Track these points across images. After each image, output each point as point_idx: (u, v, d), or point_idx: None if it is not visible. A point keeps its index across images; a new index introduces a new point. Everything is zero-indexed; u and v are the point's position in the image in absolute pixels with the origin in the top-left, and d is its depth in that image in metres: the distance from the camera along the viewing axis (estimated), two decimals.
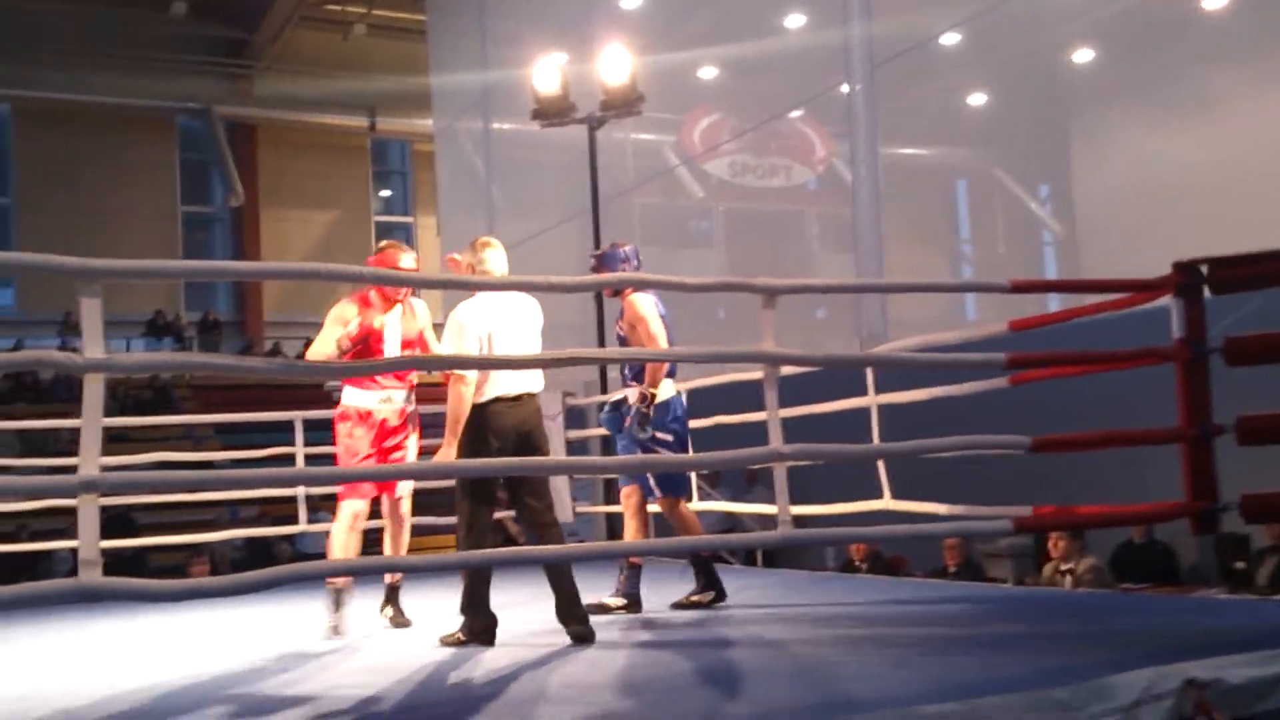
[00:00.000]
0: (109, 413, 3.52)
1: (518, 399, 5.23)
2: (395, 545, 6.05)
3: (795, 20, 15.81)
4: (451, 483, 5.52)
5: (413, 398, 6.01)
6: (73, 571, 3.42)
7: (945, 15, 13.60)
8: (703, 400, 7.83)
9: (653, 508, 6.19)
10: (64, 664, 5.47)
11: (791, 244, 17.57)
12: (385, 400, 5.89)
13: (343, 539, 5.74)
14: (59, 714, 4.11)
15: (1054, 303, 11.20)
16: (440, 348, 5.49)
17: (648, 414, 5.87)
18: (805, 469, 5.45)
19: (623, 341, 6.12)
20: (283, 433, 8.72)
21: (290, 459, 8.44)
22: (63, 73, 22.72)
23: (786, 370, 4.56)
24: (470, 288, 5.35)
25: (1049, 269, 16.04)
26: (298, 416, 8.41)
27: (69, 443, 13.04)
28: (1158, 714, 3.38)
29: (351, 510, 5.76)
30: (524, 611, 5.66)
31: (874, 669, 4.03)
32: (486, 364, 5.23)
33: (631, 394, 6.03)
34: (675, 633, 5.36)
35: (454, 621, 5.22)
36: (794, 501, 4.41)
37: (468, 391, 5.14)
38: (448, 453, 5.17)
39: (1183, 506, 4.57)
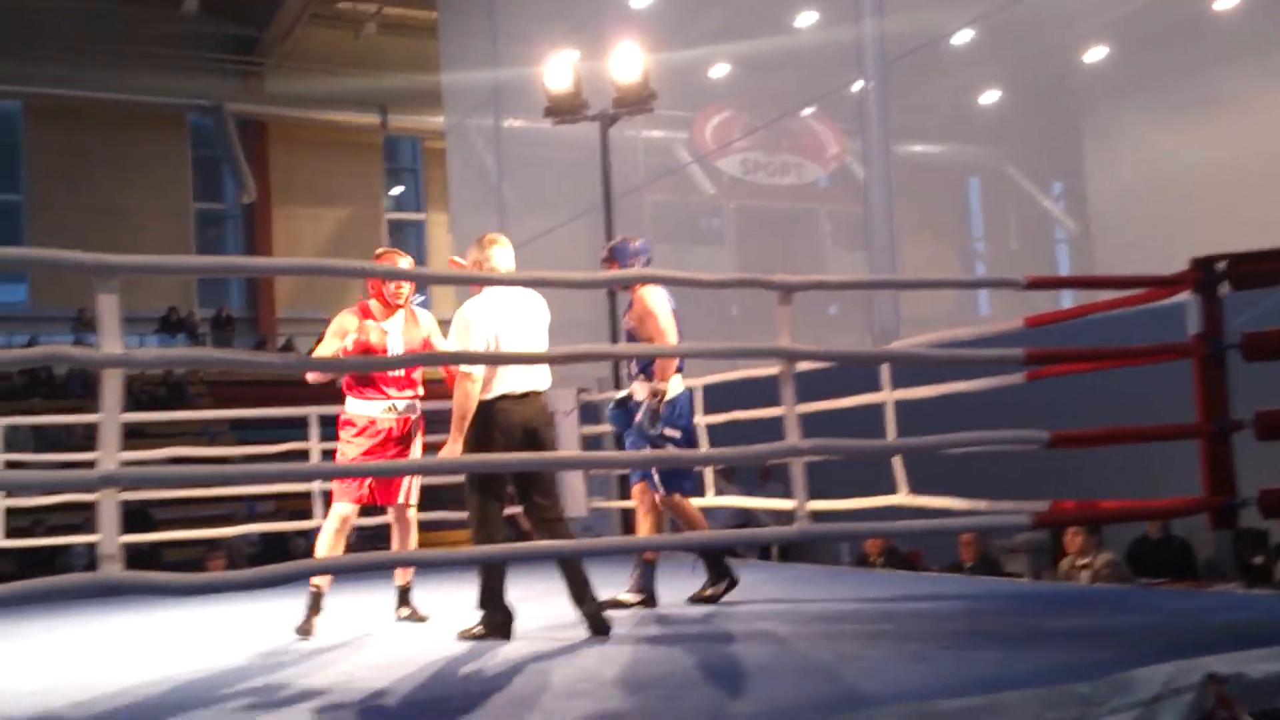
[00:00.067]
0: (124, 409, 3.52)
1: (525, 396, 5.23)
2: (403, 549, 6.05)
3: (807, 18, 15.80)
4: (459, 479, 5.52)
5: (418, 406, 5.97)
6: (89, 566, 3.44)
7: (958, 12, 13.58)
8: (714, 396, 7.83)
9: None
10: (81, 658, 5.48)
11: (803, 241, 17.56)
12: (389, 410, 5.85)
13: (329, 540, 5.71)
14: (76, 707, 4.13)
15: (1066, 300, 11.17)
16: (447, 344, 5.45)
17: (658, 410, 5.84)
18: (817, 464, 5.45)
19: (630, 334, 6.08)
20: (296, 429, 8.74)
21: (305, 454, 8.46)
22: (74, 70, 22.76)
23: (800, 366, 4.56)
24: (483, 284, 5.35)
25: (1062, 266, 16.02)
26: (312, 412, 8.42)
27: (84, 438, 13.13)
28: (1178, 709, 3.37)
29: (339, 513, 5.74)
30: (540, 606, 5.66)
31: (895, 663, 4.03)
32: (499, 360, 5.23)
33: (640, 390, 6.00)
34: (691, 628, 5.36)
35: (471, 616, 5.23)
36: (809, 497, 4.41)
37: (474, 388, 5.13)
38: (453, 449, 5.17)
39: (1201, 501, 4.57)
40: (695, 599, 6.06)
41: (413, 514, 6.05)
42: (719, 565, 6.12)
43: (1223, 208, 11.08)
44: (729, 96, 16.85)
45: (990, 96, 16.09)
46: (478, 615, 5.19)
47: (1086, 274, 13.26)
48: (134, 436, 13.05)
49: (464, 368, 5.13)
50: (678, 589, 6.18)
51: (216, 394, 20.16)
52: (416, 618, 5.96)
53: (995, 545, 9.49)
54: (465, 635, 5.17)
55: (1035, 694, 3.32)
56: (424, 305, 6.17)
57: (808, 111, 16.04)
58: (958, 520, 5.71)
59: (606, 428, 9.71)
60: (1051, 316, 5.47)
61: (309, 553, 10.56)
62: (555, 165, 17.27)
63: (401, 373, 5.85)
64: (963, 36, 14.35)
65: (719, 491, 8.46)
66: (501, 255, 5.40)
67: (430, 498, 6.51)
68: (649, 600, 6.02)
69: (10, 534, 8.60)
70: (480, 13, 18.76)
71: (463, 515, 5.36)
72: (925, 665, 3.96)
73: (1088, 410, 6.62)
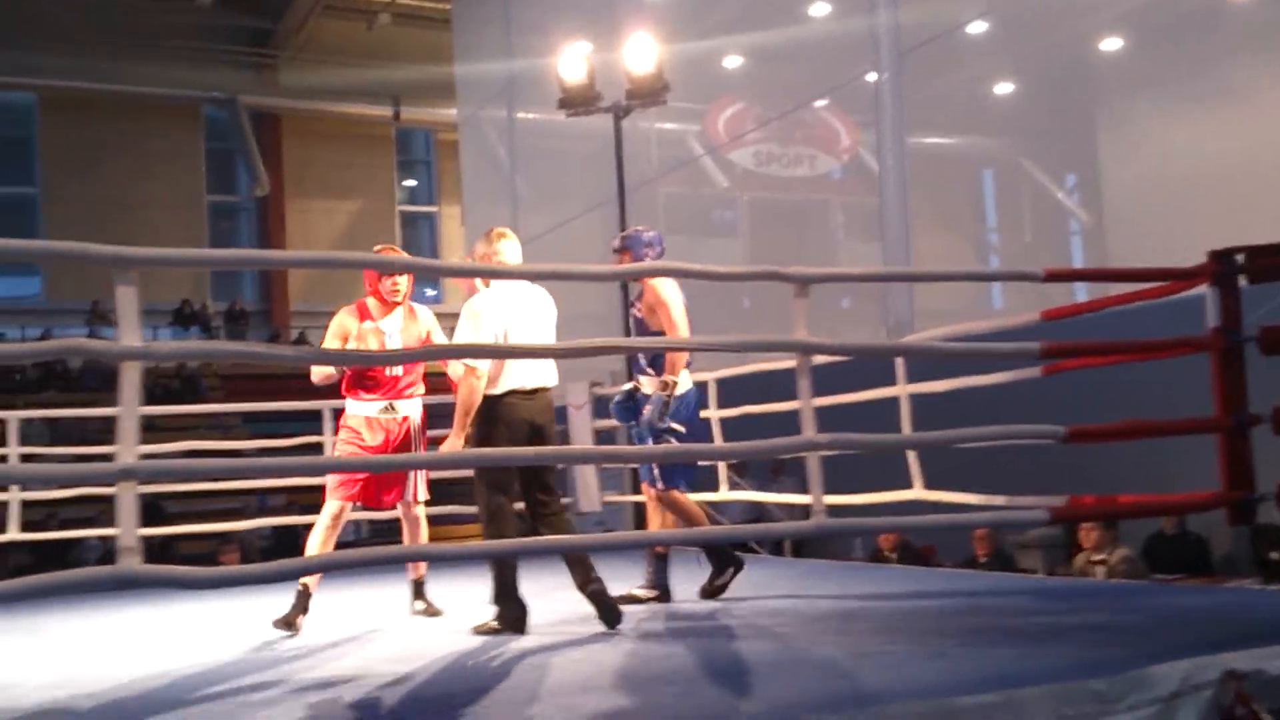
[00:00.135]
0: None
1: (532, 393, 5.23)
2: (413, 544, 6.03)
3: (821, 8, 15.73)
4: (462, 473, 5.51)
5: (419, 406, 5.95)
6: (102, 559, 3.44)
7: (972, 3, 13.52)
8: (724, 391, 7.82)
9: None
10: (97, 650, 5.50)
11: (817, 233, 17.50)
12: (386, 410, 5.83)
13: (321, 536, 5.70)
14: (91, 699, 4.14)
15: (1081, 293, 11.13)
16: (455, 336, 5.41)
17: (668, 403, 5.79)
18: (831, 459, 5.43)
19: (640, 324, 6.02)
20: (309, 422, 8.75)
21: (318, 448, 8.46)
22: (88, 62, 22.77)
23: (814, 360, 4.53)
24: (498, 276, 5.34)
25: (1076, 258, 15.92)
26: (326, 406, 8.43)
27: (98, 431, 13.16)
28: (1197, 705, 3.36)
29: (331, 511, 5.73)
30: (550, 600, 5.66)
31: (909, 660, 4.02)
32: (512, 353, 5.21)
33: (647, 384, 5.97)
34: (704, 623, 5.35)
35: (485, 611, 5.24)
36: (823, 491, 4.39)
37: (479, 384, 5.12)
38: (454, 443, 5.16)
39: (1219, 496, 4.54)
40: (706, 592, 6.04)
41: (420, 510, 6.04)
42: (722, 554, 6.10)
43: (1238, 200, 11.01)
44: (742, 88, 16.80)
45: (1004, 88, 16.01)
46: (492, 610, 5.19)
47: (1101, 267, 13.19)
48: (147, 430, 13.01)
49: (469, 362, 5.11)
50: (693, 583, 6.17)
51: (229, 387, 20.19)
52: (432, 612, 5.97)
53: (1009, 541, 9.46)
54: (480, 630, 5.18)
55: (1051, 690, 3.31)
56: (435, 299, 6.15)
57: (821, 103, 15.98)
58: (976, 515, 5.69)
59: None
60: (1069, 310, 5.43)
61: None
62: (569, 157, 17.25)
63: (401, 371, 5.83)
64: (977, 27, 14.28)
65: (732, 486, 8.45)
66: (509, 249, 5.39)
67: (441, 492, 6.50)
68: (664, 595, 6.02)
69: (25, 527, 8.62)
70: (494, 4, 18.74)
71: (473, 510, 5.36)
72: (940, 662, 3.94)
73: (1099, 403, 6.58)
